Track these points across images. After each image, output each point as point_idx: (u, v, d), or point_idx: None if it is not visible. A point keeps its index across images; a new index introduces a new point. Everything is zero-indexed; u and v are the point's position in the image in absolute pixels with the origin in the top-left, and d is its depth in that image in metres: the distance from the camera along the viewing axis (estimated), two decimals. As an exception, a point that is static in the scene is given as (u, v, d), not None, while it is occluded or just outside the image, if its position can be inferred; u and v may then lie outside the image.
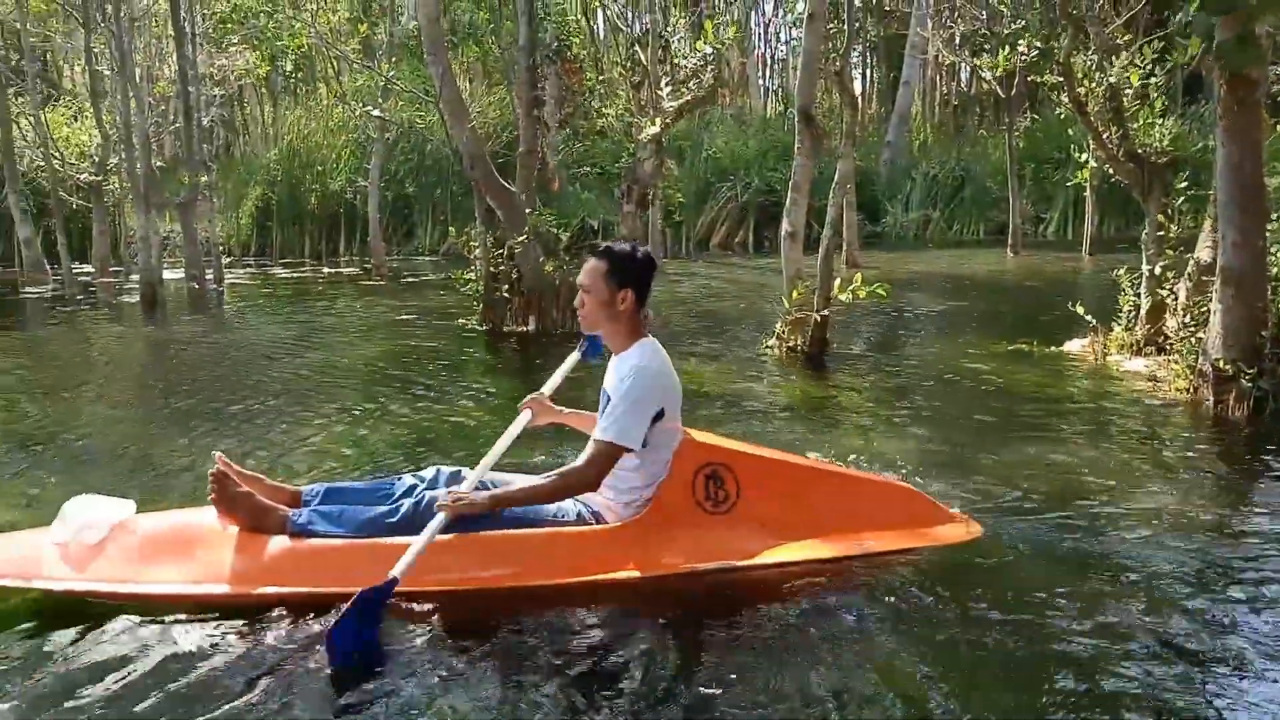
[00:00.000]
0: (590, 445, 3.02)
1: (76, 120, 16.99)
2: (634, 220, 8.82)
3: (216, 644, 2.67)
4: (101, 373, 7.73)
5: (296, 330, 9.40)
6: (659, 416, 3.03)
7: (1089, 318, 6.99)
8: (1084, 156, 8.53)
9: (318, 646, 2.61)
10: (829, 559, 3.12)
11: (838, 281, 6.87)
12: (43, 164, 14.77)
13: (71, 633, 2.73)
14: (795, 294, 7.00)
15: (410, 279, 14.10)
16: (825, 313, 6.95)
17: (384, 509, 3.04)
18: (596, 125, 17.92)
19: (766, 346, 7.31)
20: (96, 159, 15.34)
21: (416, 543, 2.76)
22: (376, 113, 13.56)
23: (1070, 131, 8.68)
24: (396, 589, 2.68)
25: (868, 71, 26.48)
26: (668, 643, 2.69)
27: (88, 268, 15.37)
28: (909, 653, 2.66)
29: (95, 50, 14.87)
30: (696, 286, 12.50)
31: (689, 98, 9.04)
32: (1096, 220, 14.96)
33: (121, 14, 11.95)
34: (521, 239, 8.34)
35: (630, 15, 24.43)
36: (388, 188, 17.12)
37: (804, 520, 3.19)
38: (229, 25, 17.26)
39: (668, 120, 8.99)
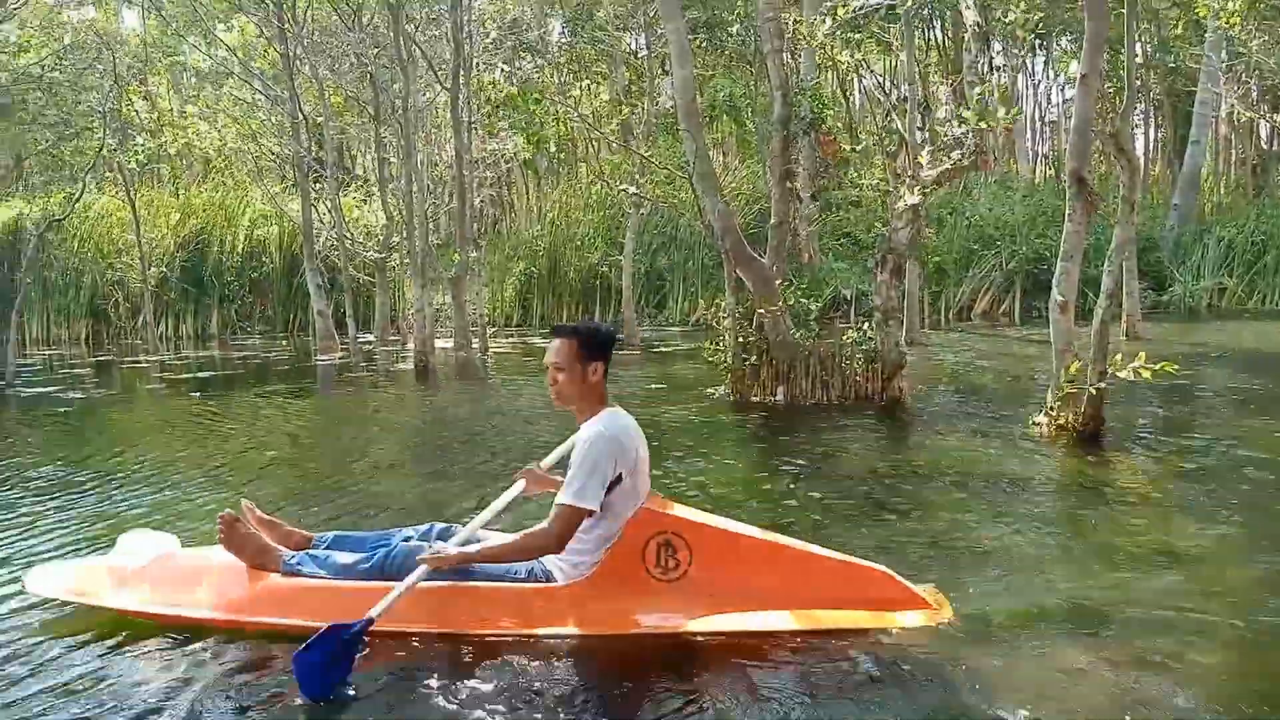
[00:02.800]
0: (553, 509, 3.21)
1: (366, 203, 18.87)
2: (888, 290, 8.66)
3: (202, 663, 3.15)
4: (375, 433, 8.42)
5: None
6: (617, 481, 3.20)
7: None
8: None
9: (285, 674, 2.97)
10: (773, 632, 3.15)
11: (1119, 356, 6.41)
12: (336, 244, 16.48)
13: (101, 643, 3.33)
14: (1071, 368, 6.59)
15: (661, 348, 14.49)
16: (1101, 386, 6.49)
17: (360, 556, 3.40)
18: (851, 195, 17.85)
19: (1034, 423, 6.91)
20: (381, 238, 16.93)
21: (397, 589, 3.12)
22: (633, 189, 14.18)
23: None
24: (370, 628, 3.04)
25: (1151, 131, 24.88)
26: (595, 699, 2.89)
27: (370, 337, 16.89)
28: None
29: (384, 140, 16.56)
30: (958, 358, 12.04)
31: (949, 166, 8.82)
32: None
33: (408, 107, 13.25)
34: (771, 309, 8.40)
35: (888, 84, 24.31)
36: (641, 260, 17.77)
37: (755, 593, 3.24)
38: (501, 113, 18.70)
39: (926, 189, 8.81)
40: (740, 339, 8.70)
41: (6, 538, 4.74)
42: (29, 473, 6.47)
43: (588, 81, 24.45)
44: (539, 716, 2.77)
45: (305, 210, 15.91)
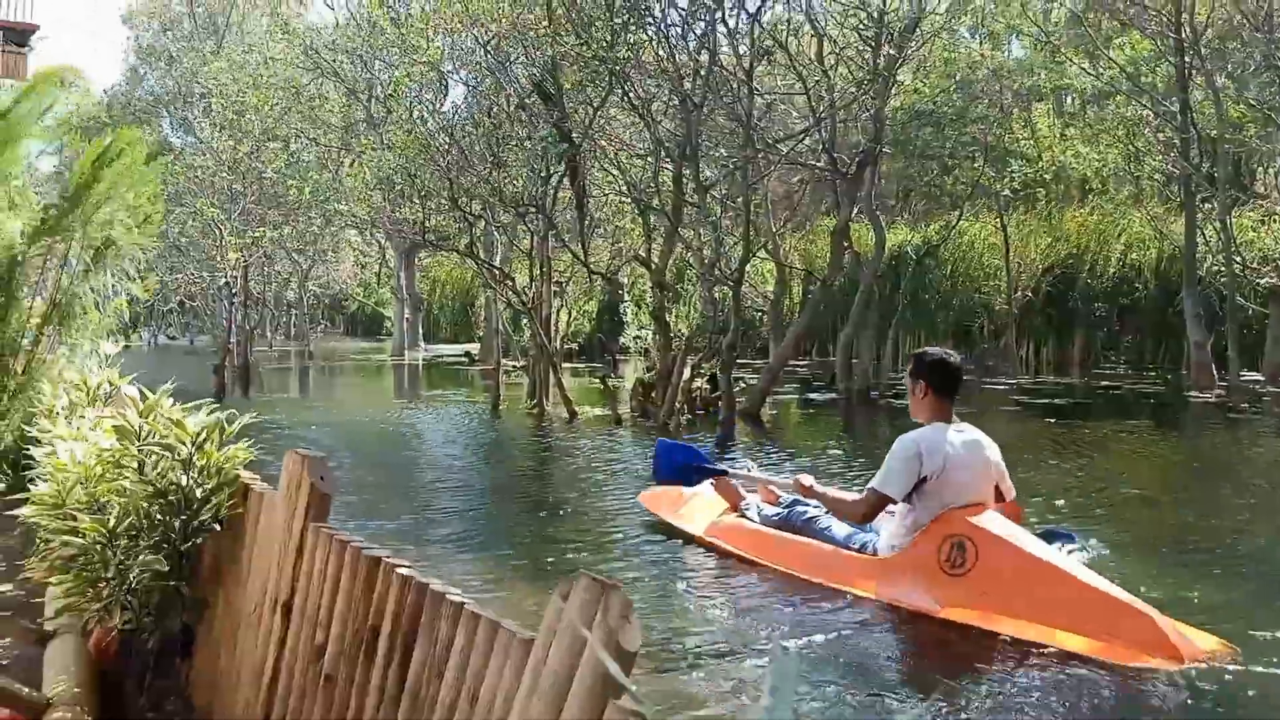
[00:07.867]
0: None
1: (1265, 224, 16.90)
2: None
3: (680, 555, 5.15)
4: (1248, 484, 7.41)
5: None
6: (923, 480, 4.01)
7: None
8: None
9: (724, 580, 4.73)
10: (1027, 642, 3.62)
11: None
12: (1223, 269, 15.03)
13: (653, 533, 5.59)
14: None
15: None
16: None
17: (777, 510, 4.82)
18: None
19: None
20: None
21: (757, 478, 5.33)
22: None
23: None
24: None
25: None
26: (870, 648, 3.80)
27: (1256, 375, 15.05)
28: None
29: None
30: None
31: None
32: None
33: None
34: None
35: None
36: None
37: (1021, 604, 3.75)
38: None
39: None
40: None
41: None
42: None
43: None
44: (825, 640, 3.75)
45: (1189, 232, 14.93)
